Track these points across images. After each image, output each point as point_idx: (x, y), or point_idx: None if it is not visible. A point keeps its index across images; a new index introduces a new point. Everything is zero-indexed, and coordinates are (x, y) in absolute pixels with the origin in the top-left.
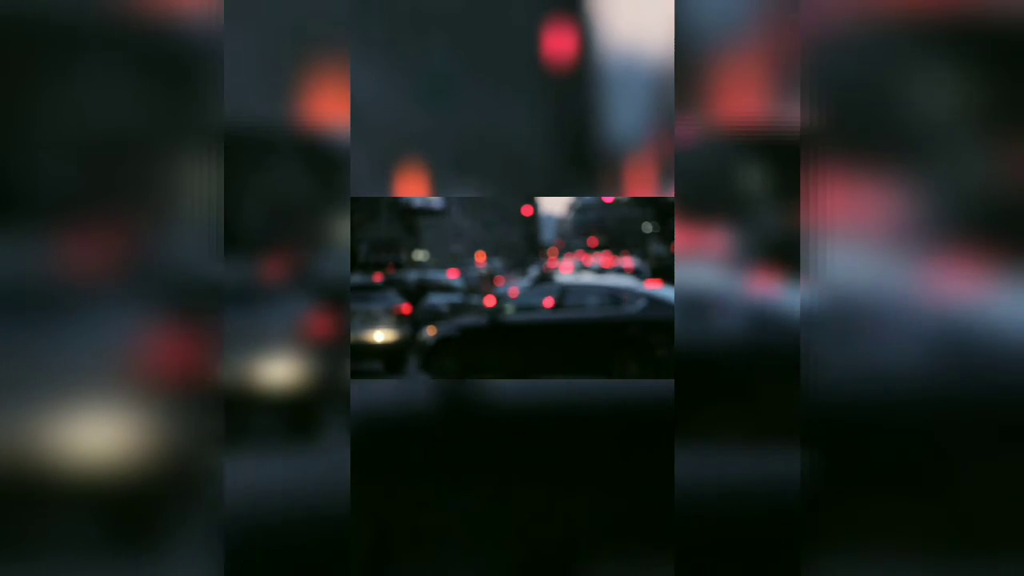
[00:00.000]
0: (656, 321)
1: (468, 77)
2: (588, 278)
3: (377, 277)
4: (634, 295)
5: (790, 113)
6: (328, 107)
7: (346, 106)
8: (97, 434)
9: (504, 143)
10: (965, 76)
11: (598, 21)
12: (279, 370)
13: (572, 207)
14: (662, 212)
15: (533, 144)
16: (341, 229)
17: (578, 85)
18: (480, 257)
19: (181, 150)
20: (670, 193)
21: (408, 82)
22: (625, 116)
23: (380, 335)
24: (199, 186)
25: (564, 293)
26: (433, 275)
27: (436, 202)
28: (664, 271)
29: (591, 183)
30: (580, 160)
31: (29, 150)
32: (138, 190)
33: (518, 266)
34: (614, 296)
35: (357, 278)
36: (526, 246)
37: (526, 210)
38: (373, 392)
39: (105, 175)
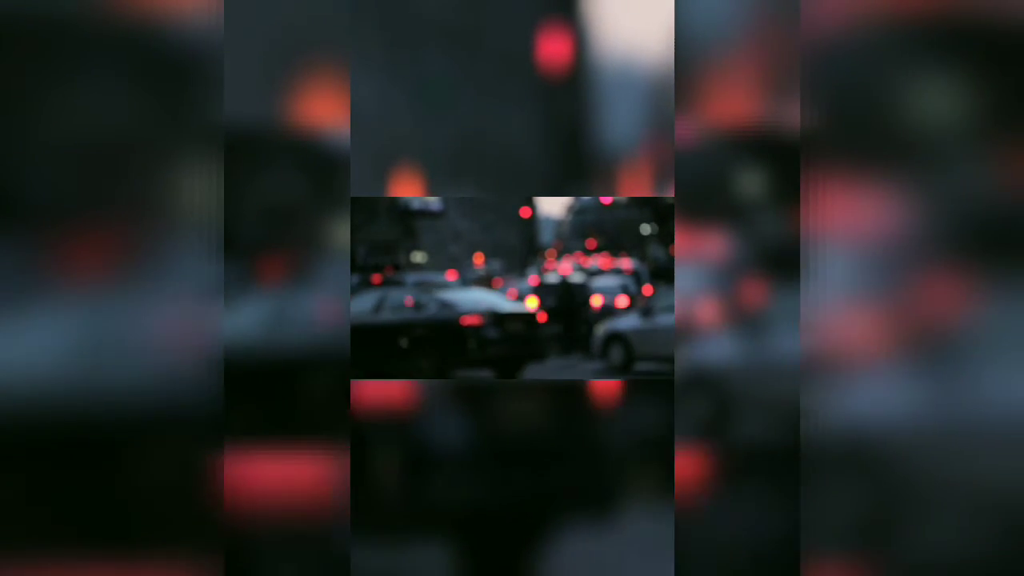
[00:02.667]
0: (442, 323)
1: (464, 82)
2: (411, 285)
3: (376, 279)
4: (430, 299)
5: (790, 116)
6: (327, 109)
7: (346, 108)
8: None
9: (500, 147)
10: (966, 81)
11: (593, 26)
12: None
13: (570, 209)
14: (660, 214)
15: (529, 148)
16: (341, 230)
17: (573, 90)
18: (478, 259)
19: (181, 153)
20: (667, 194)
21: (404, 87)
22: (620, 120)
23: None
24: (199, 188)
25: (384, 298)
26: (431, 277)
27: (435, 204)
28: (663, 273)
29: (587, 186)
30: (576, 164)
31: (26, 152)
32: (137, 193)
33: (517, 268)
34: (417, 301)
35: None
36: (525, 248)
37: (524, 212)
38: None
39: (104, 178)
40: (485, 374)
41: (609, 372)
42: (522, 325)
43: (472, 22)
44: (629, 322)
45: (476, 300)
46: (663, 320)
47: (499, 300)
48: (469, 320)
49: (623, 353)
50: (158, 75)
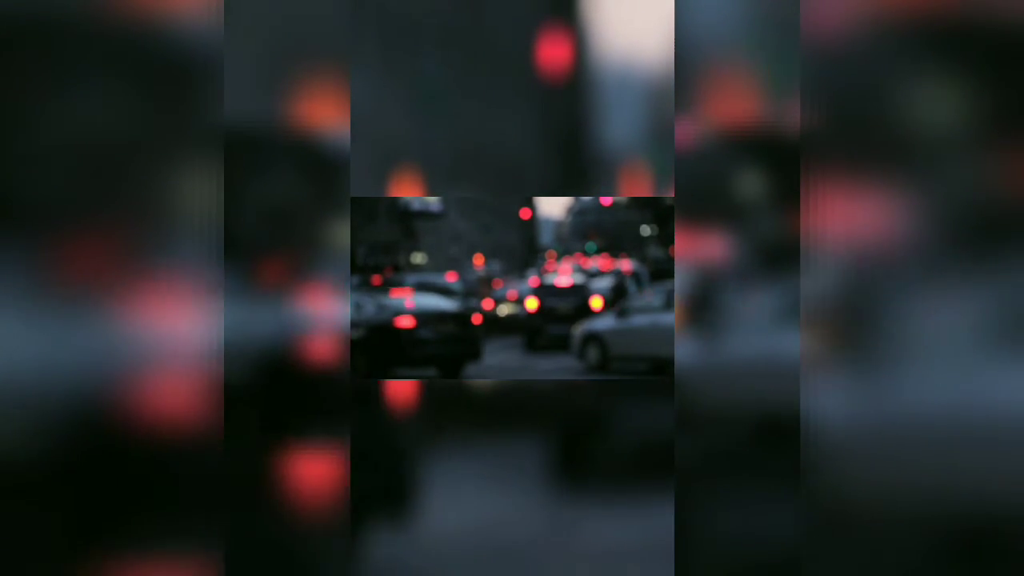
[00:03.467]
0: (377, 323)
1: (462, 86)
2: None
3: (375, 280)
4: (370, 300)
5: (790, 117)
6: (326, 110)
7: (346, 109)
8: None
9: (499, 152)
10: (965, 82)
11: (593, 29)
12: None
13: (570, 210)
14: (660, 215)
15: (528, 152)
16: (341, 230)
17: (573, 93)
18: (478, 260)
19: (181, 155)
20: (667, 194)
21: (402, 91)
22: (620, 124)
23: None
24: (199, 190)
25: None
26: (431, 278)
27: (434, 205)
28: (662, 273)
29: (585, 189)
30: (575, 168)
31: (28, 155)
32: (138, 194)
33: (517, 269)
34: (356, 303)
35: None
36: (525, 249)
37: (524, 213)
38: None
39: (104, 180)
40: (429, 373)
41: (588, 371)
42: (455, 326)
43: (471, 27)
44: (605, 323)
45: (417, 303)
46: (637, 321)
47: (440, 303)
48: (402, 322)
49: (599, 353)
50: (158, 77)
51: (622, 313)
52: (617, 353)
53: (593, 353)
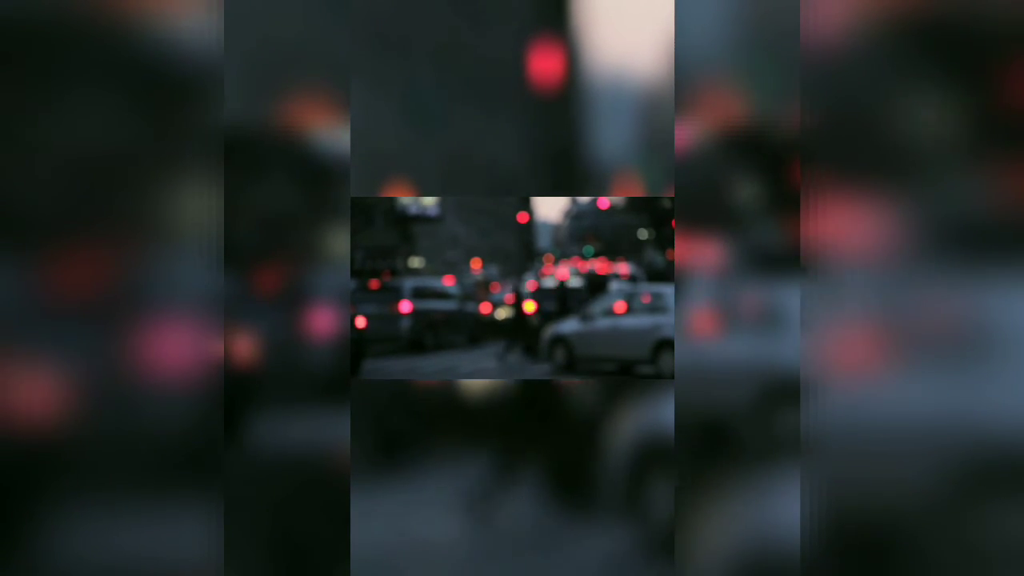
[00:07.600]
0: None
1: (455, 99)
2: None
3: (373, 284)
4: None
5: (789, 122)
6: (325, 117)
7: (345, 114)
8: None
9: (491, 162)
10: (963, 89)
11: (585, 41)
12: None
13: (567, 214)
14: (657, 219)
15: (520, 162)
16: (341, 233)
17: (565, 104)
18: (476, 264)
19: (181, 165)
20: (663, 195)
21: (395, 104)
22: (611, 134)
23: None
24: (199, 200)
25: None
26: (429, 282)
27: (432, 209)
28: (659, 277)
29: (582, 191)
30: (566, 178)
31: (24, 166)
32: (138, 202)
33: (514, 273)
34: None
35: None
36: (522, 253)
37: (522, 217)
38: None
39: (104, 191)
40: None
41: (556, 372)
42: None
43: (463, 40)
44: (570, 326)
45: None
46: (600, 324)
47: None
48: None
49: (565, 354)
50: (158, 86)
51: (586, 317)
52: (581, 354)
53: (560, 354)
